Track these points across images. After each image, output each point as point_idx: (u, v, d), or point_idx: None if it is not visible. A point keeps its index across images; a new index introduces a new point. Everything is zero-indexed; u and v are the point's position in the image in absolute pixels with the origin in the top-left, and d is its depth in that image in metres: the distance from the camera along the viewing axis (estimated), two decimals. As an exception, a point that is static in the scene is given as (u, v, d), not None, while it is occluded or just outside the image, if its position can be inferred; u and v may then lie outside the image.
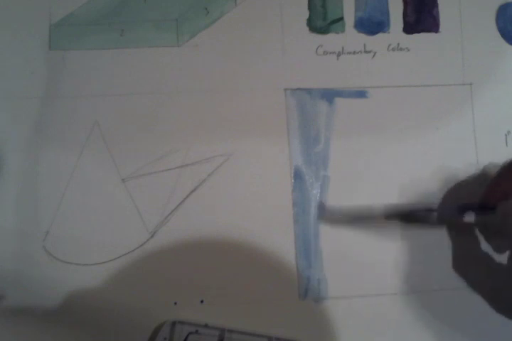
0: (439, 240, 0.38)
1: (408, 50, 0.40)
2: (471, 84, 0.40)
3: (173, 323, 0.35)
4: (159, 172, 0.38)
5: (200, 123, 0.39)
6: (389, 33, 0.40)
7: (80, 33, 0.39)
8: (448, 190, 0.38)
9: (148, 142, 0.38)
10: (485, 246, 0.38)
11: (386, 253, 0.38)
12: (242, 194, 0.38)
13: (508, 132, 0.40)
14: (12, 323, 0.36)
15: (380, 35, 0.40)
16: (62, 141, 0.38)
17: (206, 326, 0.35)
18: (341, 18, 0.40)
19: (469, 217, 0.37)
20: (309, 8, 0.40)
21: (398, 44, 0.40)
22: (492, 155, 0.39)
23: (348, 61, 0.40)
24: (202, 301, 0.37)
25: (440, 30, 0.41)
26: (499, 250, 0.37)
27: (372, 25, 0.40)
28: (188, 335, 0.35)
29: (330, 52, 0.40)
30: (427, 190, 0.38)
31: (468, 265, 0.37)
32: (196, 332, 0.35)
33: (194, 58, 0.39)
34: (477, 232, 0.37)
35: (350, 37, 0.40)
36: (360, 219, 0.37)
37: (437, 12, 0.41)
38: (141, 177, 0.38)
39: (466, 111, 0.40)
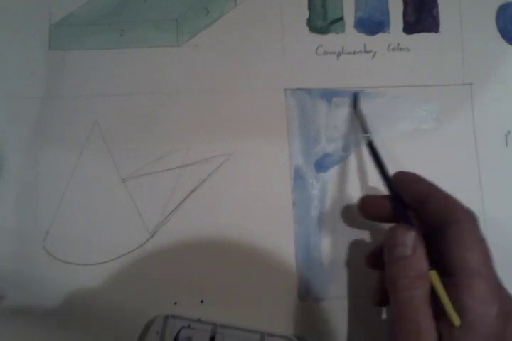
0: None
1: (408, 50, 0.40)
2: (471, 84, 0.40)
3: (166, 317, 0.35)
4: (159, 172, 0.38)
5: (200, 123, 0.39)
6: (389, 33, 0.40)
7: (80, 33, 0.39)
8: None
9: (148, 142, 0.38)
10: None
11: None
12: (242, 194, 0.38)
13: (508, 132, 0.40)
14: (12, 323, 0.36)
15: (380, 35, 0.40)
16: (62, 141, 0.38)
17: (199, 321, 0.35)
18: (341, 18, 0.40)
19: None
20: (309, 8, 0.40)
21: (398, 44, 0.40)
22: (492, 155, 0.39)
23: (348, 61, 0.40)
24: (202, 301, 0.37)
25: (440, 30, 0.40)
26: None
27: (372, 25, 0.40)
28: (180, 329, 0.34)
29: (330, 52, 0.40)
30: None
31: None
32: (189, 326, 0.35)
33: (194, 58, 0.39)
34: None
35: (350, 37, 0.40)
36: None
37: (437, 12, 0.41)
38: (141, 177, 0.38)
39: (466, 111, 0.40)
